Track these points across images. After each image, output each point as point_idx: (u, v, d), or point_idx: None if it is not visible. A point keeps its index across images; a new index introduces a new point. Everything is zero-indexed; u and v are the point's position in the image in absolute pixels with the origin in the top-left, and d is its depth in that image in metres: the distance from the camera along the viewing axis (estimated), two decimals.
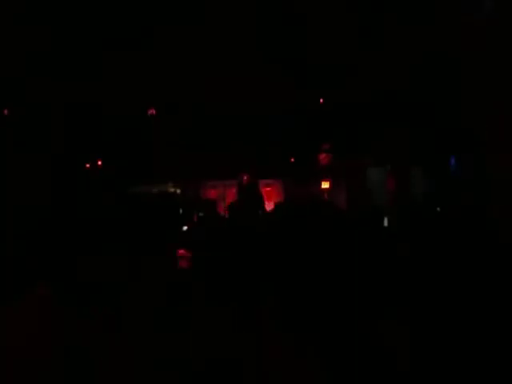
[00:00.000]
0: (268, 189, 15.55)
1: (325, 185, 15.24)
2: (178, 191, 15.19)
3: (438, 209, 8.83)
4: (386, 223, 9.85)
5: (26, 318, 4.93)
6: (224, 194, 15.28)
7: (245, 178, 12.14)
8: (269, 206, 14.83)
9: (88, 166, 14.88)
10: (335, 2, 11.80)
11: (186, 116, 14.87)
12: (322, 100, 14.64)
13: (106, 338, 4.65)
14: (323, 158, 15.42)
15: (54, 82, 12.76)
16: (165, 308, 5.04)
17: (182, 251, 6.82)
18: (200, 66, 13.15)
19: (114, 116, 14.17)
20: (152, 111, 15.06)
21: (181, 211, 13.44)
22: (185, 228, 10.74)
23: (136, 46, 12.64)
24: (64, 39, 12.27)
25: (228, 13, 11.96)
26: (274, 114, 14.61)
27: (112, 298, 5.33)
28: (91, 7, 11.69)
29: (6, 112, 13.02)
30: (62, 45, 12.33)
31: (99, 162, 15.03)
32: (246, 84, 13.69)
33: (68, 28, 12.16)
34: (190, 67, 13.19)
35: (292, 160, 15.84)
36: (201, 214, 13.34)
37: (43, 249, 7.85)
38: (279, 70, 13.41)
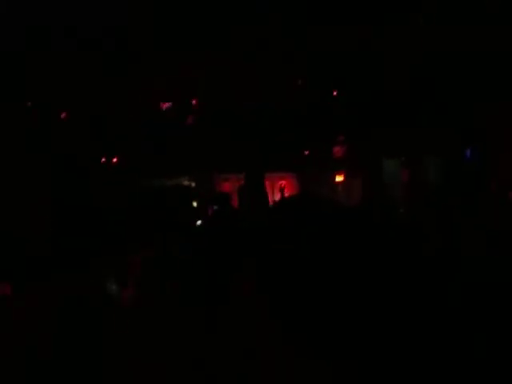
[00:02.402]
0: (283, 182, 15.55)
1: (339, 177, 15.22)
2: (193, 184, 15.23)
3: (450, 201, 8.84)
4: (400, 215, 9.76)
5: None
6: (238, 188, 15.30)
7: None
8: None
9: (104, 160, 14.99)
10: None
11: (201, 111, 14.92)
12: (335, 93, 14.61)
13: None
14: (338, 150, 15.38)
15: (70, 78, 12.94)
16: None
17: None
18: (213, 63, 13.24)
19: (130, 112, 14.30)
20: (167, 105, 15.14)
21: (195, 204, 13.52)
22: (199, 222, 10.79)
23: (148, 46, 12.81)
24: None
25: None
26: (288, 108, 14.59)
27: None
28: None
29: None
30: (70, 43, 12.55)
31: (115, 157, 15.13)
32: (258, 79, 13.72)
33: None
34: (203, 65, 13.30)
35: (307, 153, 15.81)
36: (215, 208, 13.38)
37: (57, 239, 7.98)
38: (292, 66, 13.44)
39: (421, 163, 14.53)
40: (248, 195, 13.58)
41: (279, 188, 15.06)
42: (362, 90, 13.68)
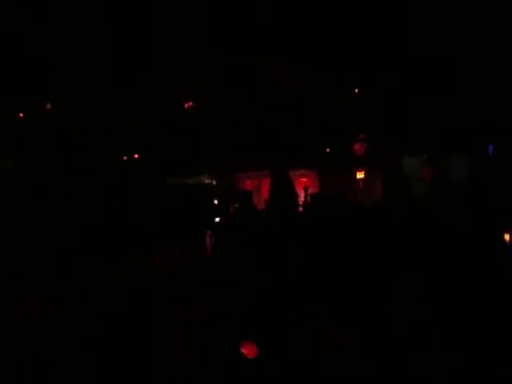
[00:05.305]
0: (303, 179, 15.56)
1: (360, 175, 15.17)
2: (214, 182, 15.31)
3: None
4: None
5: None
6: (259, 185, 15.36)
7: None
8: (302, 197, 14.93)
9: (125, 158, 15.14)
10: None
11: (222, 109, 15.01)
12: (357, 91, 14.60)
13: None
14: (358, 148, 15.33)
15: (91, 80, 13.14)
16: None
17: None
18: (231, 63, 13.34)
19: (152, 111, 14.46)
20: (190, 104, 15.25)
21: (216, 202, 13.60)
22: (217, 219, 10.89)
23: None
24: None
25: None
26: (310, 105, 14.62)
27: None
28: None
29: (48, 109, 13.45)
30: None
31: (137, 155, 15.28)
32: (279, 77, 13.78)
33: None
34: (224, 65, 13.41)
35: (328, 150, 15.79)
36: (237, 206, 13.48)
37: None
38: (316, 64, 13.48)
39: (445, 161, 14.43)
40: (275, 191, 13.70)
41: (303, 187, 15.13)
42: (383, 88, 13.67)
